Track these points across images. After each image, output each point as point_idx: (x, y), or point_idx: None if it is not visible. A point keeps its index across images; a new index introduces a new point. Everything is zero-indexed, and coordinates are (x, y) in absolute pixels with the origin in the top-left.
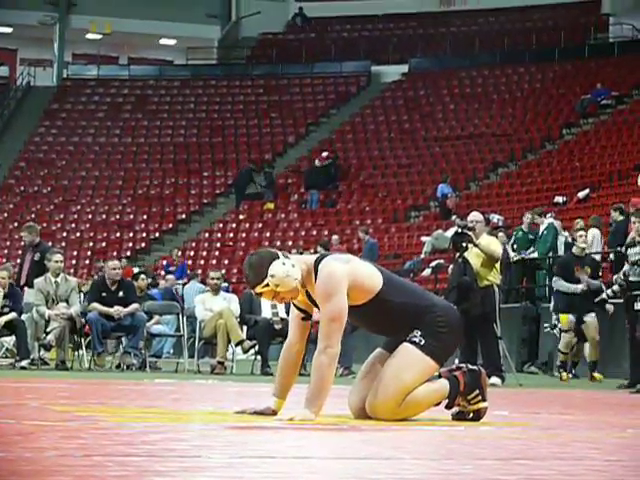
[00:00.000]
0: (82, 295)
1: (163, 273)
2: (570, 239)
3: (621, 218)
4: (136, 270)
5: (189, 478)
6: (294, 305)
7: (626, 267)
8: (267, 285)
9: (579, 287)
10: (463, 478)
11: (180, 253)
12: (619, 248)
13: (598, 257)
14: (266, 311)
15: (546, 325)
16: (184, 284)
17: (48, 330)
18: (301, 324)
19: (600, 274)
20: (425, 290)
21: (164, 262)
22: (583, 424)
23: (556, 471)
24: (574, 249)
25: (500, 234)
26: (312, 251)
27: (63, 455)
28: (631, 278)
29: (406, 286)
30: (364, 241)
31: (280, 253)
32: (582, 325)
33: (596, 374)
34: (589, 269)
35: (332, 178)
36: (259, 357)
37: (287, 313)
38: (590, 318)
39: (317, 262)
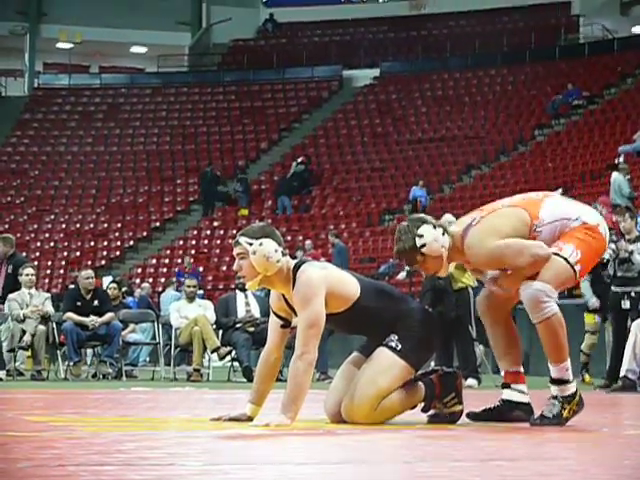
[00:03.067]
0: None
1: (179, 279)
2: None
3: None
4: (105, 280)
5: None
6: (273, 312)
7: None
8: (250, 245)
9: None
10: None
11: (192, 260)
12: None
13: None
14: (241, 314)
15: None
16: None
17: (24, 328)
18: (280, 331)
19: None
20: (402, 293)
21: (177, 270)
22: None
23: (531, 471)
24: None
25: None
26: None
27: (37, 465)
28: (619, 274)
29: (383, 291)
30: (333, 245)
31: (282, 247)
32: None
33: (587, 376)
34: None
35: (305, 183)
36: (235, 364)
37: (261, 314)
38: None
39: (295, 269)
